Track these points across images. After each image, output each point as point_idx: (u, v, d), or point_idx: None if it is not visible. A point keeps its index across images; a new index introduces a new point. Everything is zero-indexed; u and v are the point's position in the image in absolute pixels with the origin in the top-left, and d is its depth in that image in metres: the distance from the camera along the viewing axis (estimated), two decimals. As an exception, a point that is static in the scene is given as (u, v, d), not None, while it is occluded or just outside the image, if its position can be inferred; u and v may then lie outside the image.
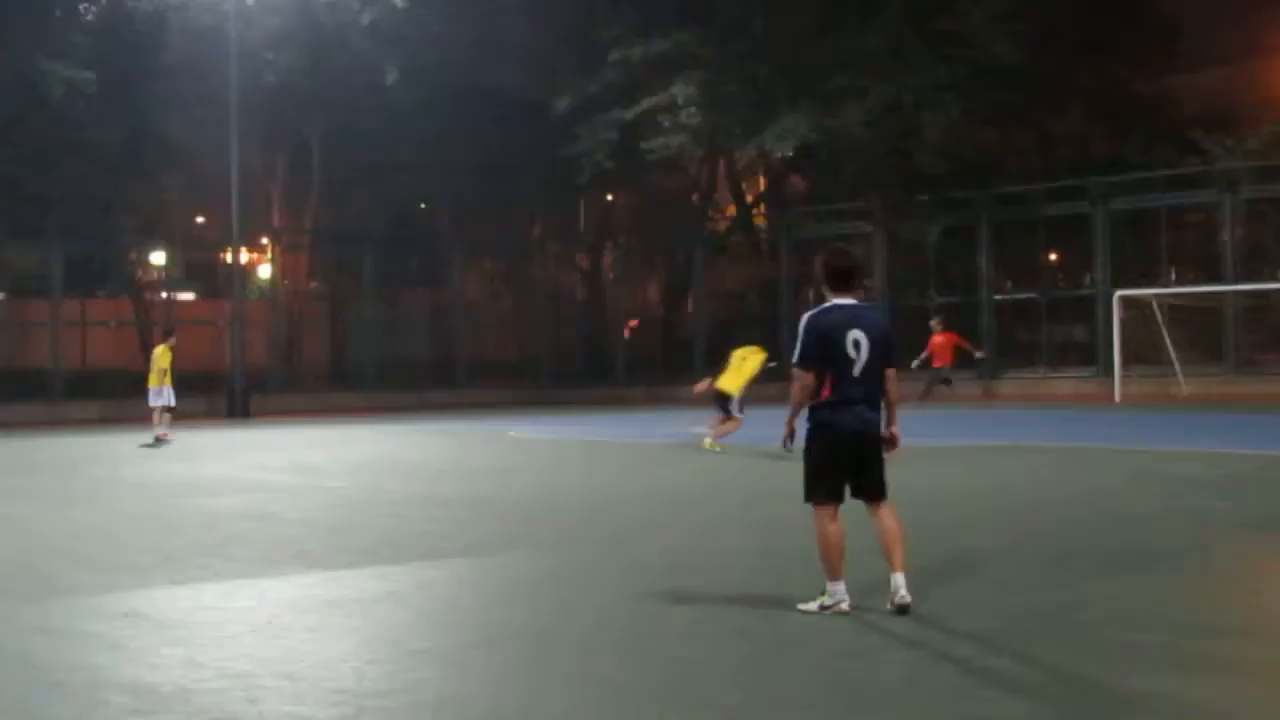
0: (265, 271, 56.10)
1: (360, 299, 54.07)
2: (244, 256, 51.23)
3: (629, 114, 47.61)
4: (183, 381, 30.14)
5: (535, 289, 58.71)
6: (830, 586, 9.42)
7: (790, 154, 48.06)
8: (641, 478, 20.50)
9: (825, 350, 9.44)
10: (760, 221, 59.29)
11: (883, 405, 9.59)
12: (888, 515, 9.53)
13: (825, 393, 9.47)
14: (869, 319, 9.64)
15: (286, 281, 54.89)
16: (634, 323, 60.65)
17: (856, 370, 9.40)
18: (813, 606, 9.39)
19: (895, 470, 9.72)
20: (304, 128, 51.30)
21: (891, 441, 9.63)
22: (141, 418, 28.56)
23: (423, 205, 59.99)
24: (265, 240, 55.34)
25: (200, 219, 57.84)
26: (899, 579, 9.27)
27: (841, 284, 9.72)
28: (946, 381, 35.69)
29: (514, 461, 24.40)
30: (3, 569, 12.22)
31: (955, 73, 44.09)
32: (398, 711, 7.07)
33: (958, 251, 48.35)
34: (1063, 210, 45.12)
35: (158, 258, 53.07)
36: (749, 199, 60.29)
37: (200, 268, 56.30)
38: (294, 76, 47.68)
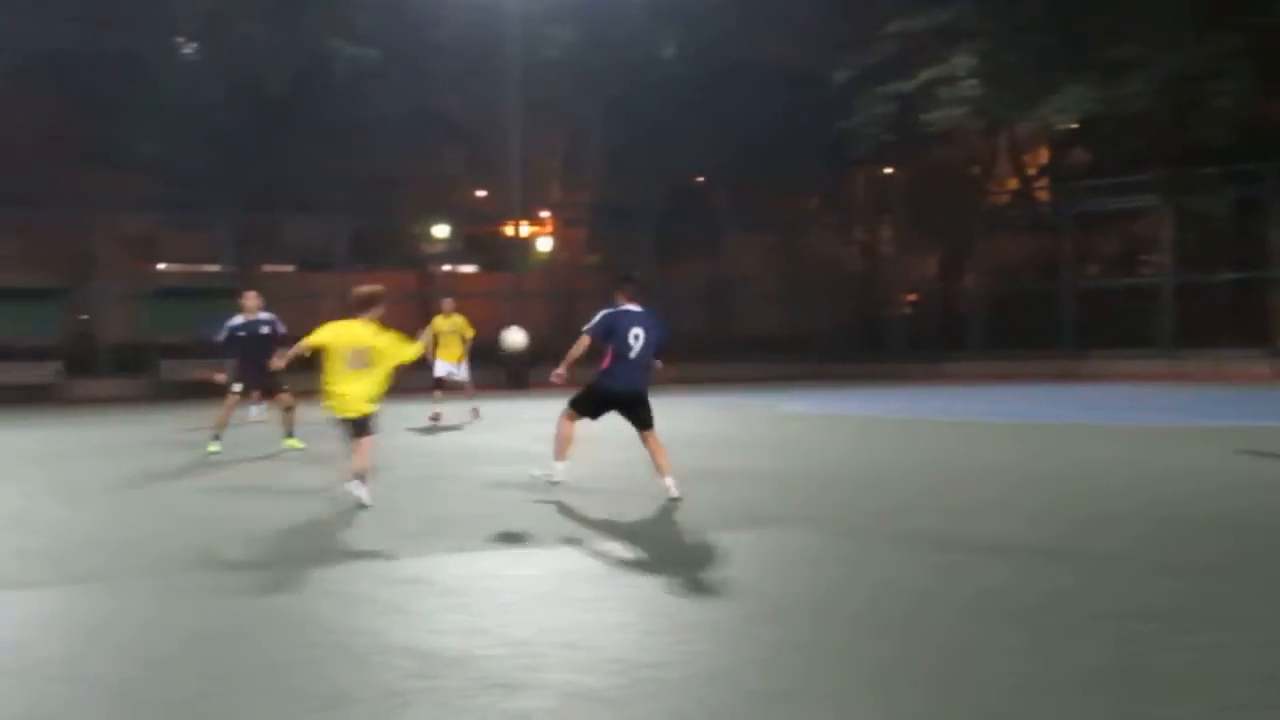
0: (545, 245, 56.82)
1: (637, 271, 54.45)
2: (524, 230, 51.90)
3: (907, 86, 47.20)
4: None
5: (811, 263, 58.54)
6: (555, 465, 14.79)
7: (1072, 126, 47.21)
8: (919, 454, 20.32)
9: (610, 335, 14.13)
10: (1042, 195, 58.34)
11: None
12: (652, 439, 14.58)
13: (606, 364, 14.28)
14: (647, 321, 14.31)
15: (565, 254, 55.53)
16: (912, 297, 60.15)
17: (633, 355, 14.16)
18: (539, 473, 14.98)
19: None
20: (582, 102, 51.74)
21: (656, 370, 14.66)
22: (424, 388, 27.84)
23: (699, 179, 60.11)
24: (545, 214, 56.03)
25: (481, 193, 58.81)
26: (668, 480, 14.27)
27: (624, 294, 14.40)
28: None
29: (789, 436, 24.37)
30: (291, 535, 12.56)
31: (1246, 41, 42.79)
32: (675, 683, 7.11)
33: (1249, 226, 46.94)
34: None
35: (440, 231, 54.05)
36: (1030, 172, 59.36)
37: (482, 241, 57.27)
38: (573, 52, 48.12)
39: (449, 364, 27.34)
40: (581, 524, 12.84)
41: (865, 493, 15.27)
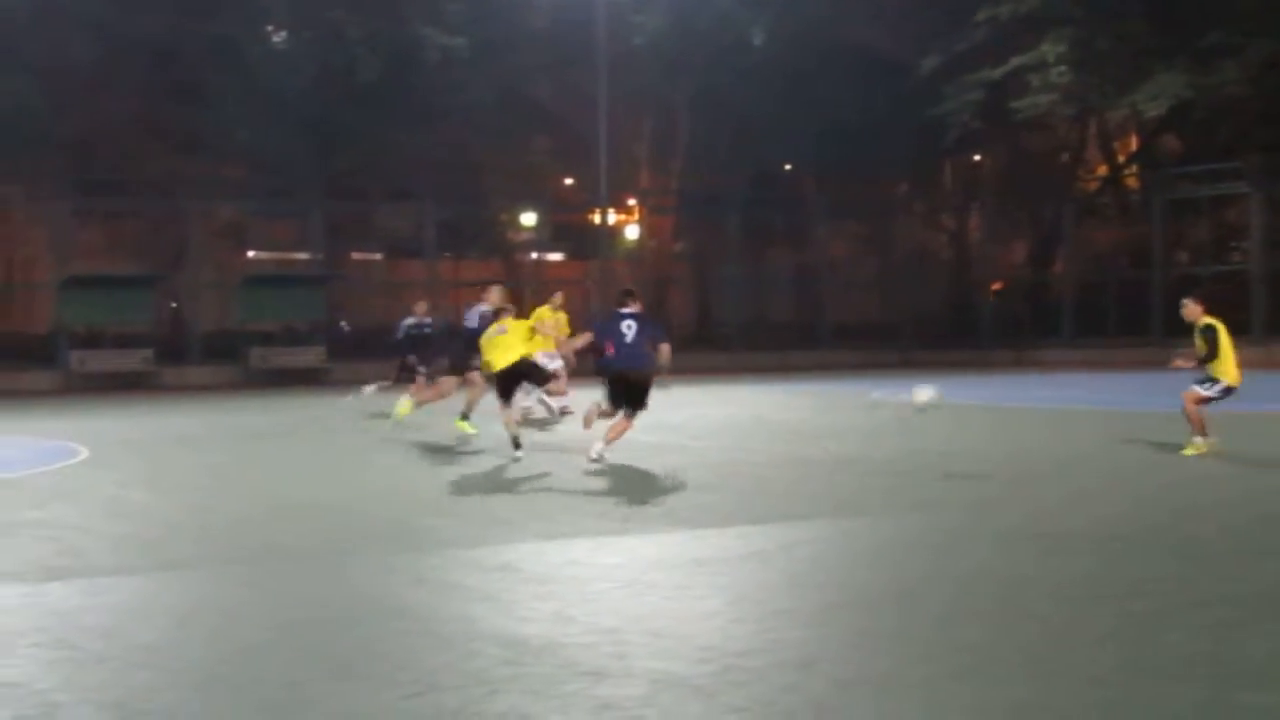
0: (632, 232, 56.85)
1: (725, 259, 54.38)
2: (611, 217, 51.94)
3: (997, 73, 46.87)
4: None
5: (899, 250, 58.33)
6: (602, 448, 16.86)
7: (1163, 113, 46.74)
8: (1009, 443, 20.21)
9: (606, 335, 17.14)
10: (1131, 182, 57.87)
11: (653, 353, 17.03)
12: (626, 421, 17.07)
13: (610, 351, 17.04)
14: (637, 317, 17.17)
15: (653, 242, 55.54)
16: (998, 285, 59.76)
17: (629, 340, 16.91)
18: (595, 456, 16.73)
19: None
20: (670, 89, 51.71)
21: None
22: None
23: (787, 167, 59.97)
24: (632, 201, 56.06)
25: (568, 181, 58.93)
26: (598, 446, 16.89)
27: (622, 304, 17.53)
28: None
29: (877, 424, 24.27)
30: (381, 523, 12.63)
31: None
32: (763, 671, 7.10)
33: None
34: None
35: (527, 219, 54.18)
36: (1120, 159, 58.89)
37: (569, 229, 57.36)
38: (660, 39, 48.09)
39: (542, 354, 25.64)
40: (667, 512, 12.85)
41: (954, 481, 15.20)
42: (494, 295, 21.61)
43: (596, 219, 50.13)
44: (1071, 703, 6.55)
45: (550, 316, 25.02)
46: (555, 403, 25.24)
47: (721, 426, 23.11)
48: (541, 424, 23.42)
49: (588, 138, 47.46)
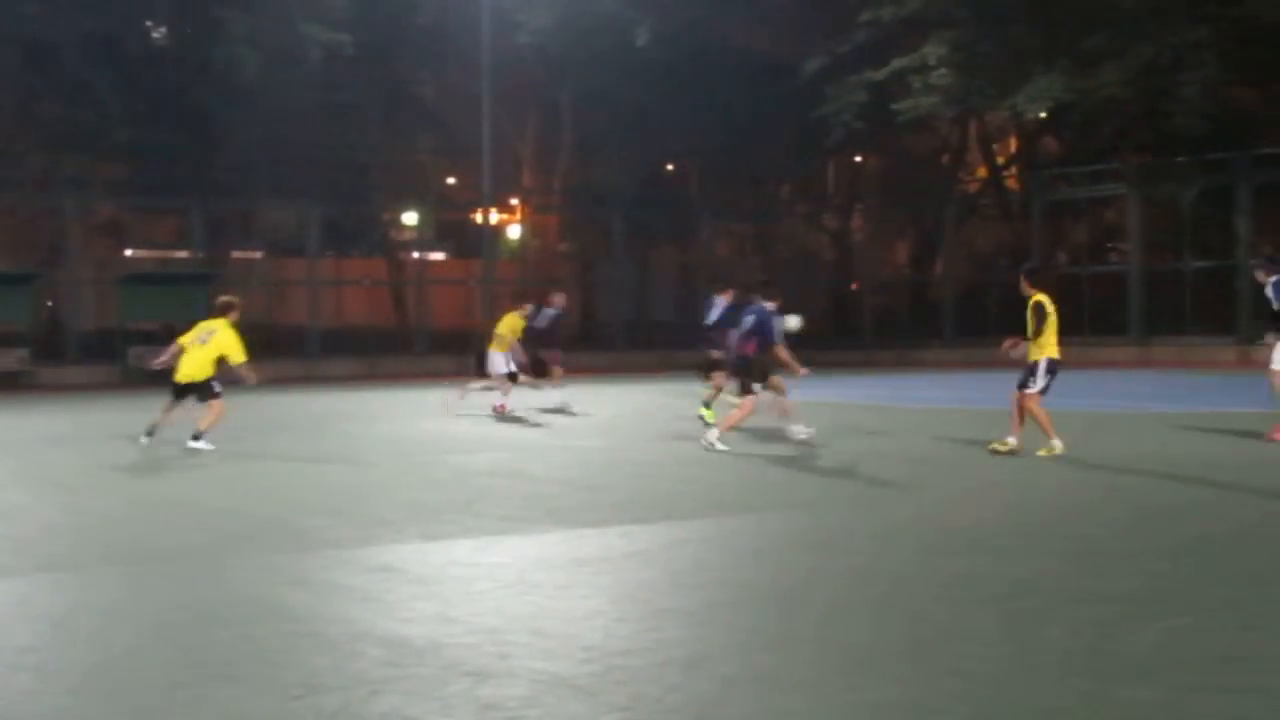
0: (515, 232, 56.76)
1: (609, 259, 54.38)
2: (494, 217, 51.82)
3: (879, 75, 47.15)
4: (435, 340, 29.51)
5: (782, 250, 58.57)
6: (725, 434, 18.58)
7: (1043, 115, 47.19)
8: (890, 442, 20.31)
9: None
10: (1012, 183, 58.42)
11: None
12: (743, 401, 18.78)
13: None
14: (752, 310, 18.77)
15: (536, 241, 55.46)
16: (855, 285, 59.79)
17: (739, 332, 18.77)
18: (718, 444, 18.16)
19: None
20: (555, 89, 51.68)
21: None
22: (397, 375, 26.84)
23: (670, 167, 60.07)
24: (515, 201, 55.98)
25: (451, 180, 58.67)
26: (711, 434, 18.60)
27: (762, 297, 18.98)
28: None
29: (758, 423, 24.36)
30: (262, 524, 12.53)
31: (1215, 31, 42.83)
32: (645, 670, 7.09)
33: (1214, 214, 47.05)
34: (1328, 171, 43.53)
35: (410, 218, 53.97)
36: (1000, 160, 59.46)
37: (451, 228, 57.20)
38: (545, 38, 48.03)
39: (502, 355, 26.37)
40: (550, 511, 12.83)
41: (837, 480, 15.28)
42: (731, 292, 23.04)
43: (479, 218, 50.00)
44: (953, 698, 6.58)
45: (521, 323, 26.08)
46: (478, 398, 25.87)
47: (604, 425, 23.13)
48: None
49: (473, 137, 47.30)
